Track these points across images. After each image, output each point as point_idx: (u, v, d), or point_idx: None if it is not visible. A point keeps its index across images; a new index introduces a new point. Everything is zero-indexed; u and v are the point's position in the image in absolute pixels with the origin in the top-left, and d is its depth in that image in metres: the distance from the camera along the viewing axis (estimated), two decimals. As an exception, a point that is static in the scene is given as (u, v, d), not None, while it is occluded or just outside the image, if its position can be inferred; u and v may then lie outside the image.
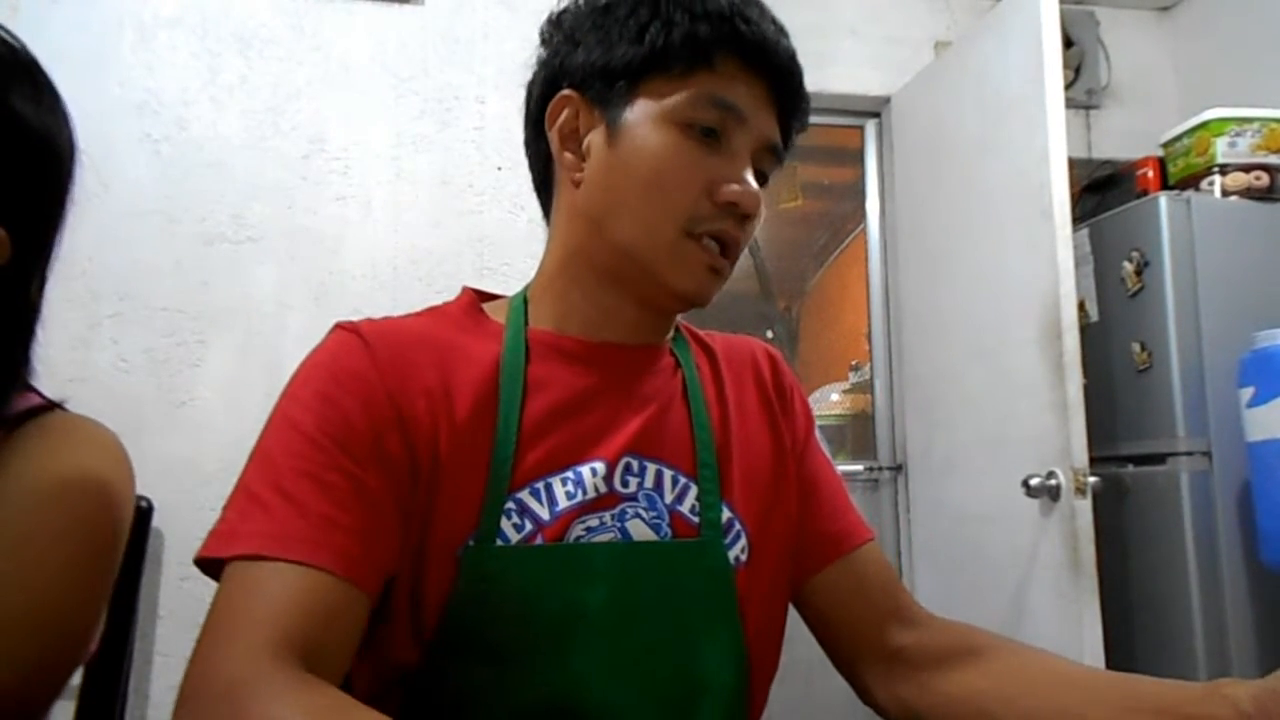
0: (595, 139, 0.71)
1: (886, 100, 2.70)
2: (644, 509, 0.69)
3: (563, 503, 0.66)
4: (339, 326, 0.69)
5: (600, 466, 0.68)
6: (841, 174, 3.18)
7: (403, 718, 0.63)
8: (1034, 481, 1.98)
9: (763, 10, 0.72)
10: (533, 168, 0.79)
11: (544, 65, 0.75)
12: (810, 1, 2.61)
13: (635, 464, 0.70)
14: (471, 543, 0.63)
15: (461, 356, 0.69)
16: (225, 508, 0.62)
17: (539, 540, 0.65)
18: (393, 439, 0.63)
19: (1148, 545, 2.22)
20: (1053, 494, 1.96)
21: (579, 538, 0.66)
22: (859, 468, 2.68)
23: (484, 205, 2.28)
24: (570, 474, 0.67)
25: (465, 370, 0.68)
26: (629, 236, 0.69)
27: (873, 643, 0.77)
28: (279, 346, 2.10)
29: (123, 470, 0.75)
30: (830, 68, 2.61)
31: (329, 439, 0.62)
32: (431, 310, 0.75)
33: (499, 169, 2.28)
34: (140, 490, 1.06)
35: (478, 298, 0.78)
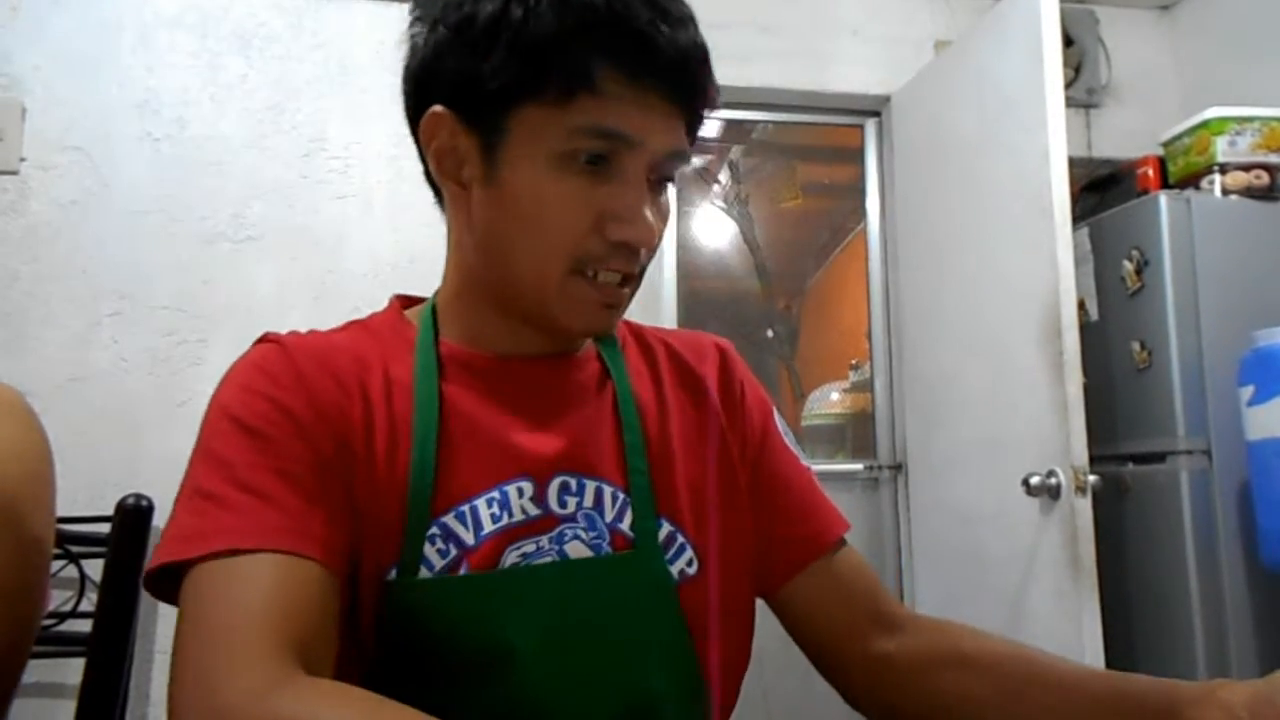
0: (474, 174, 0.66)
1: (886, 99, 2.70)
2: (584, 529, 0.66)
3: (488, 526, 0.64)
4: (264, 338, 0.68)
5: (527, 486, 0.66)
6: (841, 173, 3.18)
7: None
8: (1034, 480, 1.98)
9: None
10: (421, 160, 0.72)
11: (414, 56, 0.68)
12: (810, 1, 2.61)
13: (573, 482, 0.67)
14: (394, 574, 0.61)
15: (379, 374, 0.67)
16: (175, 513, 0.58)
17: (464, 567, 0.62)
18: (332, 444, 0.62)
19: (1148, 544, 2.22)
20: (1053, 493, 1.96)
21: (514, 564, 0.64)
22: (859, 467, 2.68)
23: (484, 204, 2.27)
24: (495, 494, 0.65)
25: (382, 389, 0.66)
26: (517, 274, 0.66)
27: (854, 648, 0.74)
28: (279, 346, 2.10)
29: (24, 434, 0.71)
30: (830, 68, 2.61)
31: (282, 433, 0.60)
32: (356, 323, 0.73)
33: (499, 168, 2.28)
34: (140, 489, 1.06)
35: (403, 305, 0.76)
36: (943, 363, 2.43)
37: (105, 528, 1.04)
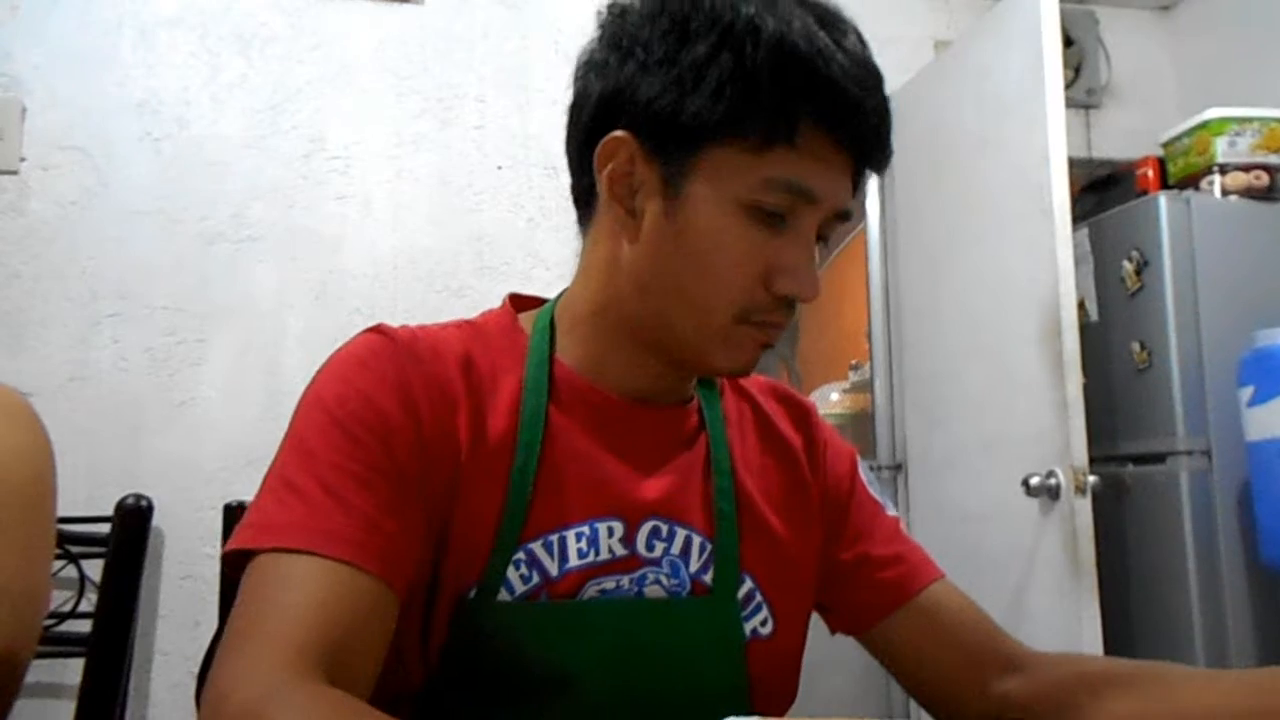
0: (650, 204, 0.64)
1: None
2: (665, 574, 0.67)
3: (573, 560, 0.64)
4: (377, 329, 0.67)
5: (617, 526, 0.66)
6: (841, 173, 3.18)
7: None
8: (1034, 481, 1.98)
9: (856, 55, 0.64)
10: (574, 175, 0.71)
11: (602, 75, 0.66)
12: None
13: (664, 528, 0.68)
14: (473, 593, 0.62)
15: (489, 382, 0.67)
16: (259, 496, 0.60)
17: (543, 596, 0.63)
18: (421, 459, 0.62)
19: (1147, 544, 2.22)
20: (1052, 493, 1.96)
21: (591, 599, 0.65)
22: (859, 467, 2.68)
23: (483, 204, 2.28)
24: (585, 529, 0.65)
25: (491, 399, 0.66)
26: (677, 316, 0.65)
27: (971, 689, 0.73)
28: (279, 346, 2.10)
29: (29, 438, 0.72)
30: (830, 67, 2.60)
31: (372, 437, 0.60)
32: (468, 323, 0.72)
33: (499, 168, 2.28)
34: (140, 489, 1.06)
35: (516, 307, 0.74)
36: (942, 363, 2.43)
37: (105, 528, 1.04)
